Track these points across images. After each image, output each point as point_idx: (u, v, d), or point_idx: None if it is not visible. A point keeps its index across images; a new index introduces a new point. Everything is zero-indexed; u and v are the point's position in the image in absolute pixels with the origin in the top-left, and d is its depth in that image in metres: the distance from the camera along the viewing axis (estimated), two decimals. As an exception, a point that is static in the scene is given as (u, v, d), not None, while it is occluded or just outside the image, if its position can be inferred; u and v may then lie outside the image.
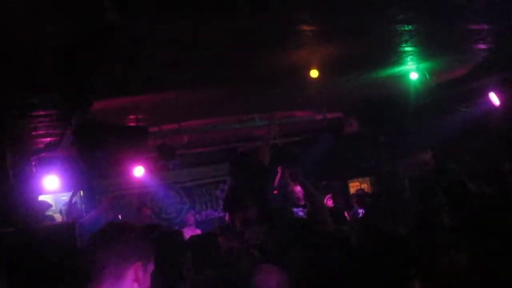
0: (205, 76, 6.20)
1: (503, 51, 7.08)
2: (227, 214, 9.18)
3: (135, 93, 6.50)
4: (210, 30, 4.65)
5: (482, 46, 6.73)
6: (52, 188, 8.60)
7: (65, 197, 11.87)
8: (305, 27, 5.01)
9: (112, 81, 5.58)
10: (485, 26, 5.87)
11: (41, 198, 8.43)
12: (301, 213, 8.45)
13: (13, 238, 5.68)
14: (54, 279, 5.29)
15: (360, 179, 12.53)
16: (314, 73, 6.23)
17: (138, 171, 9.60)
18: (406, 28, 5.43)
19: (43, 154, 8.10)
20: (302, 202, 9.09)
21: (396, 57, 6.78)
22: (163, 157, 8.96)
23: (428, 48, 6.52)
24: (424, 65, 7.34)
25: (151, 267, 2.39)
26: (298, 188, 9.28)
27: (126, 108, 7.18)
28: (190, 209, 12.08)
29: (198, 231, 9.38)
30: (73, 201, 10.68)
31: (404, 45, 6.13)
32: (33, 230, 6.00)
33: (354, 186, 12.29)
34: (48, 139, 7.37)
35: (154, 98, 6.94)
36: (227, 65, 5.85)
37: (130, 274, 2.27)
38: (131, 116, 7.59)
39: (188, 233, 8.43)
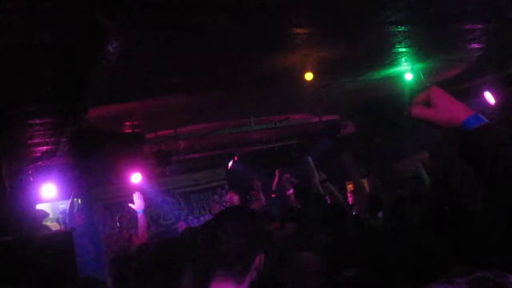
0: (199, 81, 6.21)
1: (497, 50, 7.10)
2: None
3: (130, 99, 6.50)
4: (203, 34, 4.65)
5: (476, 46, 6.73)
6: (49, 196, 8.56)
7: (63, 205, 11.88)
8: (299, 30, 5.01)
9: (106, 88, 5.57)
10: (479, 26, 5.87)
11: (39, 206, 8.41)
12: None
13: (10, 247, 5.67)
14: (53, 287, 5.29)
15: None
16: (309, 76, 6.23)
17: (136, 178, 9.57)
18: (400, 29, 5.43)
19: (39, 163, 8.08)
20: (299, 206, 9.11)
21: (390, 58, 6.79)
22: (160, 163, 8.95)
23: (422, 49, 6.52)
24: (418, 65, 7.35)
25: None
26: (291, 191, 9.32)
27: (121, 115, 7.17)
28: (188, 215, 12.09)
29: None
30: (70, 209, 10.70)
31: (398, 46, 6.13)
32: (30, 238, 5.99)
33: (351, 187, 12.28)
34: (44, 147, 7.35)
35: (149, 104, 6.94)
36: (221, 69, 5.86)
37: None
38: (127, 123, 7.59)
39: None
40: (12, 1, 3.21)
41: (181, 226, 10.72)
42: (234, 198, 9.34)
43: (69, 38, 3.78)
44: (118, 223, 9.51)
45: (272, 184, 11.02)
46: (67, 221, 10.20)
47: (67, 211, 10.66)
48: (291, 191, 9.32)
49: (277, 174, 10.75)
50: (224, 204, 10.48)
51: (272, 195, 11.75)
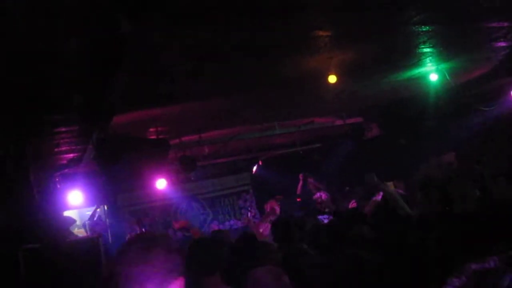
0: (223, 85, 6.21)
1: (524, 48, 6.97)
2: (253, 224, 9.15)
3: (154, 105, 6.53)
4: (227, 39, 4.66)
5: (503, 44, 6.62)
6: (76, 203, 8.66)
7: (89, 212, 12.01)
8: (321, 33, 4.99)
9: (131, 94, 5.61)
10: (506, 23, 5.77)
11: (66, 213, 8.50)
12: (326, 221, 8.39)
13: (39, 254, 5.71)
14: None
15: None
16: (332, 79, 6.19)
17: (161, 184, 9.63)
18: (424, 29, 5.37)
19: (66, 170, 8.17)
20: (327, 210, 9.04)
21: (415, 59, 6.71)
22: (185, 169, 8.97)
23: (447, 48, 6.44)
24: (443, 65, 7.26)
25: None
26: (323, 195, 9.25)
27: (146, 121, 7.22)
28: (214, 220, 12.10)
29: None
30: (96, 216, 10.80)
31: (422, 46, 6.06)
32: (58, 245, 6.03)
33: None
34: (71, 155, 7.43)
35: (173, 110, 6.97)
36: (244, 73, 5.85)
37: None
38: (151, 129, 7.64)
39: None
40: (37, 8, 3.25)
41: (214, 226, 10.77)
42: (276, 208, 9.14)
43: (92, 45, 3.81)
44: (143, 230, 9.54)
45: (297, 188, 10.99)
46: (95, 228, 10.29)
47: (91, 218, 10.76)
48: (318, 195, 9.26)
49: (301, 178, 10.71)
50: (254, 210, 10.35)
51: (297, 199, 11.70)
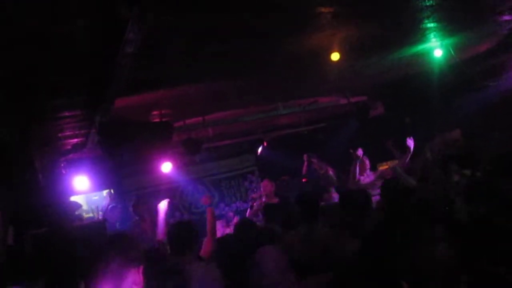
0: (225, 67, 6.17)
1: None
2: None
3: (157, 88, 6.50)
4: (227, 19, 4.61)
5: (508, 18, 6.52)
6: (82, 188, 8.69)
7: (96, 196, 12.04)
8: (323, 9, 4.92)
9: (132, 77, 5.57)
10: (510, -4, 5.70)
11: (72, 198, 8.52)
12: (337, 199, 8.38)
13: (46, 239, 5.74)
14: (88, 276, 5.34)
15: (388, 162, 12.36)
16: (335, 56, 6.14)
17: (166, 167, 9.62)
18: (427, 3, 5.29)
19: (71, 155, 8.18)
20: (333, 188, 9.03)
21: (419, 35, 6.64)
22: (189, 151, 8.96)
23: (451, 23, 6.36)
24: (448, 41, 7.17)
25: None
26: (330, 171, 9.24)
27: (149, 104, 7.20)
28: (220, 202, 12.12)
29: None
30: (110, 206, 10.80)
31: (426, 21, 5.99)
32: (65, 229, 6.06)
33: (383, 169, 12.12)
34: (75, 140, 7.43)
35: (176, 92, 6.94)
36: (246, 54, 5.81)
37: (130, 276, 2.49)
38: (155, 112, 7.62)
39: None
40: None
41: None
42: (269, 186, 9.21)
43: (93, 29, 3.77)
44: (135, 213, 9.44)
45: (302, 168, 10.98)
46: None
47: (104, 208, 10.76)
48: (324, 170, 9.28)
49: (305, 159, 10.69)
50: (259, 191, 10.38)
51: (303, 180, 11.69)
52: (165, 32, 4.58)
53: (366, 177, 8.69)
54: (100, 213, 10.51)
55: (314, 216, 5.03)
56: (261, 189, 9.26)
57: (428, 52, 7.48)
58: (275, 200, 8.75)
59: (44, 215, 6.07)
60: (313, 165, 10.27)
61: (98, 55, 4.44)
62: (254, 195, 9.63)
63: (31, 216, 6.00)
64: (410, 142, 8.29)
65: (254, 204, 9.14)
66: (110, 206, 10.91)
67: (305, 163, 10.73)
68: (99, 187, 10.98)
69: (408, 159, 8.43)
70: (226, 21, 4.67)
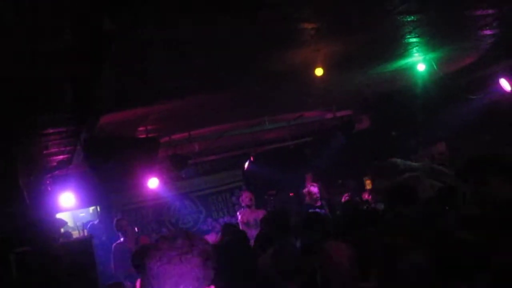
0: (210, 82, 6.19)
1: (510, 35, 6.97)
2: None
3: (142, 104, 6.51)
4: (211, 34, 4.64)
5: (489, 32, 6.62)
6: (68, 205, 8.62)
7: (83, 213, 11.97)
8: (306, 25, 4.98)
9: (117, 93, 5.59)
10: (490, 11, 5.77)
11: (59, 215, 8.46)
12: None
13: (30, 257, 5.70)
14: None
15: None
16: (319, 72, 6.19)
17: (153, 183, 9.60)
18: (409, 19, 5.35)
19: (56, 172, 8.14)
20: (319, 203, 9.06)
21: (401, 49, 6.70)
22: (176, 167, 8.96)
23: (434, 38, 6.43)
24: (431, 55, 7.25)
25: None
26: (315, 189, 9.28)
27: (135, 120, 7.20)
28: (207, 217, 12.10)
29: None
30: (89, 223, 10.78)
31: (408, 36, 6.05)
32: (49, 248, 6.02)
33: (370, 183, 12.18)
34: (60, 156, 7.41)
35: (161, 108, 6.95)
36: (230, 69, 5.84)
37: None
38: (141, 128, 7.61)
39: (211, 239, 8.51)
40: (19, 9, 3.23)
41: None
42: (248, 197, 9.45)
43: (77, 44, 3.78)
44: (136, 229, 9.47)
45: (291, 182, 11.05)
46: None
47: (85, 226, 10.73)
48: (307, 188, 9.37)
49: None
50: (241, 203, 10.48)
51: (290, 194, 11.72)
52: (148, 47, 4.60)
53: None
54: (85, 230, 10.45)
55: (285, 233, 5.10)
56: (243, 200, 9.46)
57: (412, 67, 7.56)
58: (259, 210, 9.00)
59: (29, 233, 6.03)
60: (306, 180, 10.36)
61: (82, 71, 4.44)
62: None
63: (16, 234, 5.96)
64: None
65: (239, 215, 9.39)
66: (89, 224, 10.90)
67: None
68: (86, 203, 10.92)
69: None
70: (211, 36, 4.69)
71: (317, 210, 8.71)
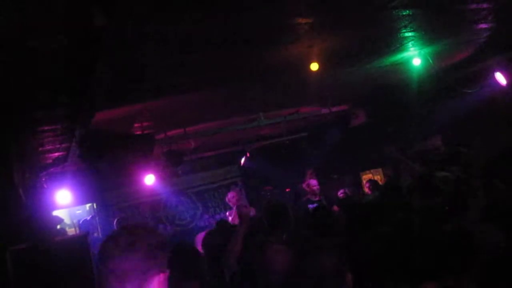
0: (205, 78, 6.17)
1: (505, 29, 6.97)
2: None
3: (137, 101, 6.49)
4: (206, 30, 4.62)
5: (484, 26, 6.62)
6: (64, 202, 8.60)
7: (79, 210, 11.95)
8: (301, 20, 4.96)
9: (113, 90, 5.56)
10: (485, 5, 5.77)
11: (55, 213, 8.44)
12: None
13: (26, 255, 5.68)
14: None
15: (372, 171, 12.47)
16: (314, 66, 6.18)
17: (149, 180, 9.59)
18: (404, 13, 5.35)
19: (52, 169, 8.10)
20: (317, 198, 9.04)
21: (397, 44, 6.70)
22: (172, 163, 8.94)
23: (429, 32, 6.43)
24: (426, 49, 7.25)
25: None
26: (314, 182, 9.27)
27: (130, 116, 7.16)
28: (204, 214, 12.10)
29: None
30: (81, 220, 10.78)
31: (403, 30, 6.05)
32: (46, 245, 5.99)
33: (366, 178, 12.21)
34: (56, 154, 7.37)
35: (157, 104, 6.93)
36: (226, 65, 5.82)
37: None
38: (136, 124, 7.58)
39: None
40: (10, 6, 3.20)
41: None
42: (234, 196, 9.54)
43: (69, 41, 3.76)
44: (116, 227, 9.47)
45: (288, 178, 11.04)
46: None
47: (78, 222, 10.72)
48: (305, 183, 9.36)
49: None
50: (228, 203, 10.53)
51: (287, 190, 11.72)
52: (143, 43, 4.58)
53: None
54: (72, 229, 10.48)
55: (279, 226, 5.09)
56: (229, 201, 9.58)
57: (407, 61, 7.57)
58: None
59: (25, 231, 6.00)
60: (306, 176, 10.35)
61: (77, 68, 4.42)
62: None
63: (12, 232, 5.93)
64: None
65: (229, 216, 9.43)
66: (81, 220, 10.89)
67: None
68: (82, 201, 10.90)
69: None
70: (205, 32, 4.68)
71: (315, 205, 8.71)
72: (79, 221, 10.73)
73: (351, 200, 8.92)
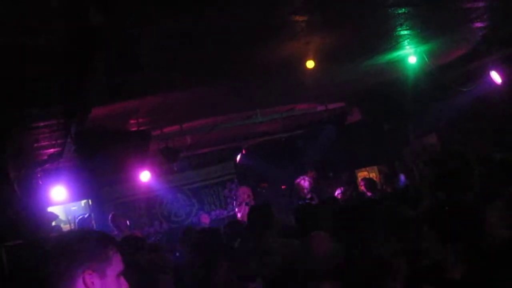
0: (201, 75, 6.17)
1: (501, 28, 7.00)
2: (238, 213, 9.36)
3: (133, 97, 6.48)
4: (202, 27, 4.62)
5: (479, 25, 6.64)
6: (59, 199, 8.59)
7: (75, 207, 11.93)
8: (297, 18, 4.96)
9: (108, 86, 5.55)
10: (480, 4, 5.78)
11: (50, 209, 8.42)
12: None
13: (22, 250, 5.68)
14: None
15: (368, 168, 12.47)
16: (310, 64, 6.18)
17: (145, 176, 9.60)
18: (400, 11, 5.36)
19: (47, 166, 8.09)
20: (309, 196, 9.05)
21: (392, 42, 6.71)
22: (167, 160, 8.94)
23: (424, 30, 6.44)
24: (422, 48, 7.26)
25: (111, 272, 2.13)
26: (305, 183, 9.28)
27: (126, 113, 7.16)
28: (200, 210, 12.10)
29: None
30: (80, 216, 10.75)
31: (399, 29, 6.06)
32: (42, 241, 5.99)
33: (362, 176, 12.22)
34: (51, 150, 7.36)
35: (153, 100, 6.92)
36: (221, 62, 5.82)
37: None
38: (132, 121, 7.58)
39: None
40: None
41: (203, 218, 10.79)
42: (246, 192, 9.42)
43: (65, 37, 3.76)
44: (128, 222, 9.46)
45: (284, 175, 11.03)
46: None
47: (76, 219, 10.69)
48: (298, 180, 9.34)
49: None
50: (235, 198, 10.48)
51: (282, 187, 11.73)
52: (138, 40, 4.58)
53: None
54: (75, 224, 10.43)
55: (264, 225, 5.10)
56: (240, 196, 9.42)
57: (403, 59, 7.57)
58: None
59: (20, 227, 5.99)
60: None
61: (72, 64, 4.42)
62: (235, 203, 9.78)
63: (7, 228, 5.93)
64: None
65: (238, 212, 9.35)
66: (79, 217, 10.85)
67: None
68: (77, 197, 10.89)
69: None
70: (201, 29, 4.68)
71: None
72: (76, 218, 10.71)
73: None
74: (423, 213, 3.64)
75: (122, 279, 2.14)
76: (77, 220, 10.65)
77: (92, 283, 2.03)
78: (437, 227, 3.08)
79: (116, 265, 2.12)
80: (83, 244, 2.08)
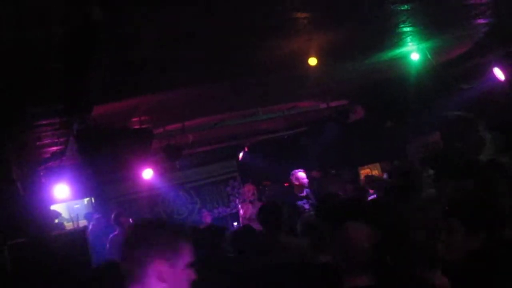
0: (203, 73, 6.16)
1: (504, 24, 6.96)
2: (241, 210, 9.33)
3: (135, 95, 6.48)
4: (203, 25, 4.61)
5: (482, 21, 6.61)
6: (62, 196, 8.60)
7: (77, 205, 11.93)
8: (299, 15, 4.95)
9: (110, 84, 5.55)
10: (483, 0, 5.76)
11: (53, 207, 8.43)
12: (306, 206, 8.39)
13: (25, 248, 5.69)
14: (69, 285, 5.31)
15: (370, 166, 12.46)
16: (312, 61, 6.16)
17: (147, 174, 9.60)
18: (402, 8, 5.33)
19: (50, 164, 8.10)
20: (304, 193, 8.93)
21: (395, 39, 6.68)
22: (170, 158, 8.94)
23: (427, 27, 6.42)
24: (424, 44, 7.23)
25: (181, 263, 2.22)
26: (302, 175, 9.22)
27: (128, 111, 7.16)
28: (202, 208, 12.10)
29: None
30: (96, 216, 10.72)
31: (402, 25, 6.03)
32: (44, 239, 6.01)
33: (364, 173, 12.21)
34: (54, 148, 7.37)
35: (155, 98, 6.92)
36: (224, 59, 5.80)
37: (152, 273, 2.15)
38: (134, 119, 7.58)
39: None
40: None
41: (205, 216, 10.79)
42: (251, 190, 9.39)
43: (66, 34, 3.75)
44: (130, 220, 9.43)
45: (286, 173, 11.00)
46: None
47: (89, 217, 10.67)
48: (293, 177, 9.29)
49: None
50: (239, 196, 10.46)
51: (285, 184, 11.70)
52: (139, 39, 4.57)
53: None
54: (84, 221, 10.42)
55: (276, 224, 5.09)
56: (244, 194, 9.38)
57: (405, 56, 7.55)
58: (259, 204, 8.82)
59: (23, 225, 6.01)
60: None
61: (74, 62, 4.41)
62: (237, 201, 9.75)
63: (10, 226, 5.94)
64: None
65: (240, 209, 9.31)
66: (96, 217, 10.81)
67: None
68: (80, 195, 10.90)
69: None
70: (203, 26, 4.67)
71: (304, 201, 8.66)
72: (88, 216, 10.64)
73: None
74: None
75: (190, 270, 2.24)
76: (91, 222, 10.60)
77: (162, 271, 2.15)
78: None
79: (186, 256, 2.24)
80: (159, 234, 2.23)
